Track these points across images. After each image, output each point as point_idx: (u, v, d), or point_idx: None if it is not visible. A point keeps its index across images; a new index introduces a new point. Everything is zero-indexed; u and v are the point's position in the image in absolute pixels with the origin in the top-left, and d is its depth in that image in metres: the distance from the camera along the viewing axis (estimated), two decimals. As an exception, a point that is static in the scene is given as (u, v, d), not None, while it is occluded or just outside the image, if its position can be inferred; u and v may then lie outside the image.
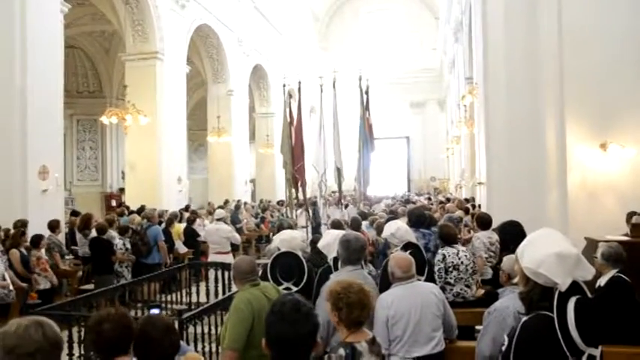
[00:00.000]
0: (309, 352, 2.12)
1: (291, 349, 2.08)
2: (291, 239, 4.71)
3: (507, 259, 3.88)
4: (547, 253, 2.19)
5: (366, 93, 12.43)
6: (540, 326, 2.14)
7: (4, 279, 6.82)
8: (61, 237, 9.76)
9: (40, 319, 1.80)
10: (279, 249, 4.58)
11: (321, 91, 12.16)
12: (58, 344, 1.79)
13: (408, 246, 4.86)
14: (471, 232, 7.94)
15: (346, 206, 15.52)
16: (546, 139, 7.78)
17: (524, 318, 2.23)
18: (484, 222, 6.64)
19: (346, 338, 2.65)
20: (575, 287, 2.17)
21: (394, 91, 32.96)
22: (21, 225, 8.32)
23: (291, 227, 7.68)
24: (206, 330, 5.59)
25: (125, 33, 14.82)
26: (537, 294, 2.21)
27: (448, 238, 5.54)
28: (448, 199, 17.72)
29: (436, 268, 5.26)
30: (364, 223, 8.98)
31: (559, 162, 7.58)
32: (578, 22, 7.38)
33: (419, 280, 4.06)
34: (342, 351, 2.54)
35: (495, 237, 6.08)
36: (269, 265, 4.30)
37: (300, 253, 4.58)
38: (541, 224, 7.40)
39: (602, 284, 4.52)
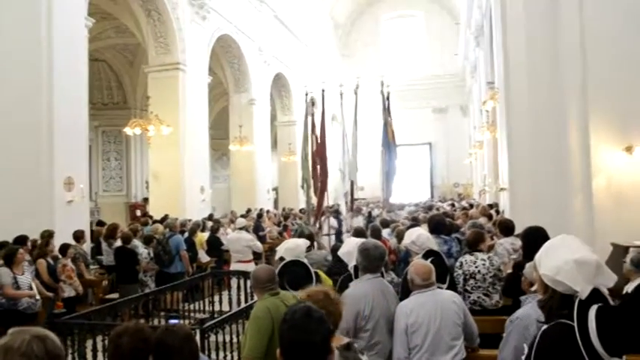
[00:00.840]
0: (325, 357, 2.11)
1: (305, 356, 2.07)
2: (295, 247, 4.71)
3: (529, 266, 3.82)
4: (565, 260, 2.15)
5: (388, 99, 12.42)
6: (560, 335, 2.09)
7: (31, 288, 6.94)
8: (86, 247, 9.91)
9: (42, 332, 1.81)
10: (283, 258, 4.58)
11: (341, 98, 12.19)
12: (60, 358, 1.81)
13: (429, 254, 4.81)
14: (494, 238, 7.83)
15: (369, 214, 15.50)
16: (570, 143, 7.65)
17: (544, 326, 2.19)
18: (506, 228, 6.56)
19: None
20: (596, 295, 2.12)
21: (416, 97, 32.85)
22: (47, 235, 8.47)
23: (311, 235, 7.69)
24: (227, 339, 5.60)
25: (148, 45, 15.06)
26: (557, 302, 2.16)
27: (472, 244, 5.48)
28: (471, 205, 17.54)
29: (455, 275, 5.22)
30: (386, 231, 8.94)
31: (583, 166, 7.45)
32: (600, 23, 7.26)
33: (440, 287, 4.02)
34: None
35: (519, 243, 5.99)
36: (276, 275, 4.31)
37: (306, 261, 4.57)
38: (566, 230, 7.28)
39: (629, 291, 4.42)
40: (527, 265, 3.89)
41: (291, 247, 4.70)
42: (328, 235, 11.12)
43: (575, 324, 2.05)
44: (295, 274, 4.24)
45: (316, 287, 2.98)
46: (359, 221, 12.51)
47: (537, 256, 2.30)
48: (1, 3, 9.44)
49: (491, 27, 13.29)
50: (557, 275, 2.13)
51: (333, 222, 12.81)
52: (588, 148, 7.36)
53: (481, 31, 18.42)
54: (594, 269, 2.14)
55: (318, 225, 11.06)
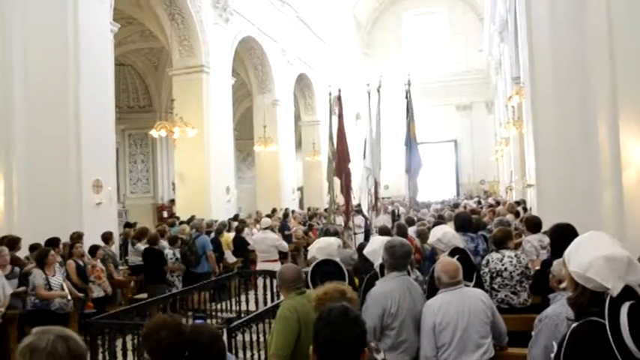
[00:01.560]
0: (358, 358, 2.11)
1: (340, 354, 2.07)
2: (327, 246, 4.70)
3: (557, 263, 3.75)
4: (596, 256, 2.10)
5: (410, 97, 12.33)
6: (591, 333, 2.04)
7: (62, 289, 7.08)
8: (115, 248, 10.06)
9: (65, 332, 1.84)
10: (316, 258, 4.57)
11: (369, 97, 12.14)
12: (82, 357, 1.84)
13: (455, 251, 4.77)
14: (522, 235, 7.72)
15: (393, 212, 15.41)
16: (598, 136, 7.48)
17: (574, 324, 2.14)
18: (533, 225, 6.46)
19: None
20: (628, 292, 2.06)
21: (440, 94, 32.60)
22: (76, 237, 8.63)
23: (337, 233, 7.68)
24: (254, 338, 5.63)
25: (172, 48, 15.22)
26: (587, 299, 2.11)
27: (499, 241, 5.42)
28: (498, 202, 17.34)
29: (481, 273, 5.16)
30: (411, 229, 8.88)
31: (613, 160, 7.27)
32: (628, 14, 7.09)
33: (467, 285, 3.98)
34: None
35: (547, 240, 5.89)
36: (309, 274, 4.30)
37: (338, 260, 4.56)
38: (595, 226, 7.17)
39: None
40: (555, 262, 3.82)
41: (323, 247, 4.70)
42: (355, 233, 11.07)
43: (607, 322, 1.99)
44: (327, 273, 4.23)
45: (334, 285, 2.97)
46: (382, 220, 12.44)
47: (566, 252, 2.25)
48: (28, 10, 9.64)
49: (516, 22, 13.11)
50: (588, 272, 2.09)
51: (359, 221, 12.76)
52: (617, 141, 7.18)
53: (505, 27, 18.18)
54: (626, 266, 2.08)
55: (343, 224, 11.03)
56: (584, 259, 2.12)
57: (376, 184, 11.15)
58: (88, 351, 2.07)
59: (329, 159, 11.54)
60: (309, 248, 5.09)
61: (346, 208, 11.15)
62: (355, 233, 11.20)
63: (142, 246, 9.68)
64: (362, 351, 2.12)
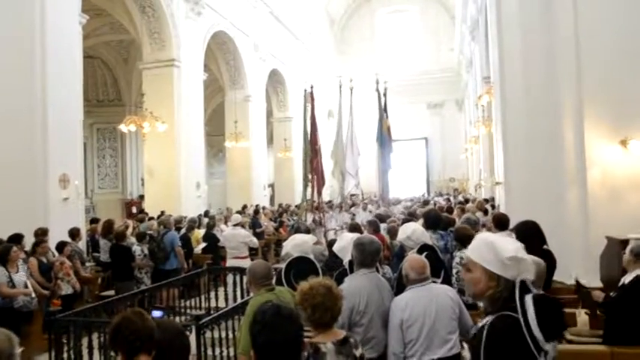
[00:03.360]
0: (299, 353, 2.12)
1: (280, 354, 2.08)
2: (302, 243, 4.69)
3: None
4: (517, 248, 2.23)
5: (384, 95, 12.43)
6: (509, 325, 2.09)
7: (26, 287, 6.93)
8: (82, 244, 9.88)
9: None
10: (291, 255, 4.57)
11: (340, 92, 12.18)
12: (10, 356, 1.81)
13: (423, 248, 4.82)
14: (490, 233, 7.83)
15: (364, 208, 15.53)
16: (565, 137, 7.67)
17: (490, 318, 2.16)
18: (501, 222, 6.53)
19: (313, 338, 2.70)
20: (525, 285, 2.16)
21: (412, 92, 32.81)
22: (41, 233, 8.44)
23: (308, 230, 7.69)
24: (223, 335, 5.60)
25: (142, 42, 15.02)
26: (508, 292, 2.15)
27: (464, 240, 5.48)
28: (467, 200, 17.58)
29: (454, 271, 5.21)
30: (382, 226, 8.94)
31: (578, 160, 7.46)
32: (594, 18, 7.28)
33: (434, 282, 4.02)
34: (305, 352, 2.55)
35: (514, 237, 6.00)
36: (283, 271, 4.29)
37: (312, 257, 4.56)
38: (561, 223, 7.35)
39: (626, 282, 4.43)
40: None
41: (298, 244, 4.68)
42: (342, 229, 11.09)
43: (521, 314, 2.06)
44: (302, 270, 4.23)
45: (319, 280, 2.97)
46: (345, 218, 12.55)
47: (479, 253, 2.27)
48: (-7, 0, 9.39)
49: (487, 21, 13.28)
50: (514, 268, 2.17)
51: (346, 217, 12.83)
52: (583, 141, 7.38)
53: (476, 26, 18.41)
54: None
55: (311, 220, 11.04)
56: (507, 252, 2.18)
57: (343, 181, 11.23)
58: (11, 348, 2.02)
59: (304, 156, 11.55)
60: (283, 244, 5.07)
61: (317, 204, 11.17)
62: (342, 228, 11.20)
63: (107, 243, 9.55)
64: (301, 345, 2.14)
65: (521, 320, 2.05)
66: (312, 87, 11.17)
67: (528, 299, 2.09)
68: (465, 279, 2.34)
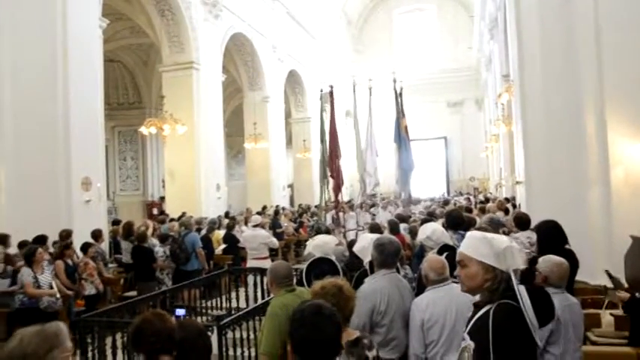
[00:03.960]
0: (335, 354, 2.12)
1: (316, 352, 2.09)
2: (323, 244, 4.70)
3: (543, 260, 3.79)
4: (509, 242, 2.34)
5: (401, 95, 12.38)
6: (512, 312, 2.19)
7: (51, 287, 7.04)
8: (104, 246, 10.02)
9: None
10: (313, 255, 4.58)
11: (354, 92, 12.16)
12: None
13: (444, 249, 4.79)
14: (510, 233, 7.77)
15: (385, 208, 15.51)
16: (587, 135, 7.56)
17: (490, 307, 2.23)
18: (522, 222, 6.50)
19: None
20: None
21: (430, 91, 32.66)
22: (65, 235, 8.58)
23: (328, 231, 7.70)
24: (245, 335, 5.64)
25: (162, 45, 15.16)
26: (506, 282, 2.26)
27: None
28: (487, 199, 17.44)
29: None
30: (403, 226, 8.91)
31: (601, 158, 7.35)
32: (615, 14, 7.16)
33: (455, 282, 4.00)
34: None
35: (535, 237, 5.93)
36: (304, 272, 4.31)
37: (334, 258, 4.57)
38: (583, 222, 7.25)
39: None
40: (541, 259, 3.86)
41: (320, 244, 4.70)
42: (362, 229, 11.09)
43: (522, 302, 2.17)
44: (323, 270, 4.25)
45: (331, 280, 2.99)
46: (367, 218, 12.53)
47: (472, 246, 2.37)
48: (16, 6, 9.56)
49: (506, 19, 13.18)
50: (506, 261, 2.28)
51: (367, 217, 12.84)
52: (605, 139, 7.26)
53: (495, 24, 18.26)
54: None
55: (331, 220, 11.05)
56: (501, 245, 2.28)
57: (365, 181, 11.21)
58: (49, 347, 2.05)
59: (322, 156, 11.55)
60: (306, 244, 5.09)
61: (336, 204, 11.16)
62: (362, 229, 11.20)
63: (128, 244, 9.66)
64: (339, 346, 2.15)
65: (523, 307, 2.16)
66: (331, 87, 11.17)
67: (522, 289, 2.21)
68: (460, 275, 2.42)
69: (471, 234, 2.46)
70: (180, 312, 3.19)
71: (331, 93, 11.16)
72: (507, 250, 2.26)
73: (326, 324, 2.12)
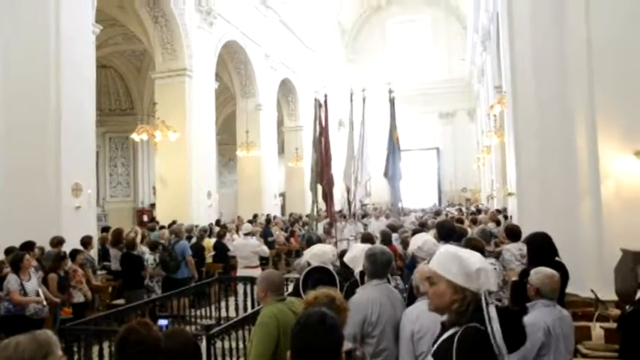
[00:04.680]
0: None
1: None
2: (322, 254, 4.69)
3: (535, 273, 3.80)
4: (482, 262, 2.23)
5: (393, 105, 12.45)
6: (478, 337, 2.08)
7: (37, 294, 6.97)
8: (94, 253, 9.94)
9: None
10: (309, 264, 4.56)
11: (352, 102, 12.21)
12: None
13: (435, 259, 4.79)
14: (501, 244, 7.80)
15: (377, 218, 15.53)
16: (578, 148, 7.62)
17: (455, 331, 2.16)
18: (513, 233, 6.52)
19: None
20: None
21: (423, 101, 32.83)
22: (57, 242, 8.51)
23: (319, 240, 7.67)
24: (234, 345, 5.60)
25: (155, 51, 15.15)
26: (475, 304, 2.15)
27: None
28: (479, 210, 17.50)
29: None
30: (394, 236, 8.91)
31: (592, 171, 7.41)
32: (606, 29, 7.25)
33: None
34: None
35: (525, 249, 5.95)
36: (301, 281, 4.29)
37: (331, 268, 4.55)
38: (575, 234, 7.28)
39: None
40: (533, 271, 3.87)
41: (318, 254, 4.68)
42: (355, 239, 11.10)
43: (490, 326, 2.06)
44: (319, 280, 4.23)
45: (324, 290, 2.98)
46: (359, 228, 12.56)
47: (442, 263, 2.25)
48: (10, 11, 9.53)
49: (498, 31, 13.27)
50: (478, 281, 2.17)
51: (360, 227, 12.87)
52: (596, 152, 7.33)
53: (488, 36, 18.39)
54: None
55: (323, 230, 11.04)
56: (473, 264, 2.18)
57: (349, 191, 11.26)
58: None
59: (312, 167, 11.56)
60: (304, 253, 5.07)
61: (329, 214, 11.17)
62: (355, 238, 11.20)
63: (117, 252, 9.58)
64: (339, 357, 2.14)
65: (490, 332, 2.05)
66: (325, 95, 11.23)
67: (492, 311, 2.10)
68: (428, 292, 2.31)
69: (444, 250, 2.35)
70: (163, 322, 3.15)
71: (325, 101, 11.21)
72: (480, 272, 2.15)
73: (329, 333, 2.11)
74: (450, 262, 2.22)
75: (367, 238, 7.26)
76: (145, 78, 20.74)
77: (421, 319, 3.62)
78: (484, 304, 2.12)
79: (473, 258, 2.22)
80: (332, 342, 2.11)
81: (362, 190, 11.74)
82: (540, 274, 3.76)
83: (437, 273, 2.24)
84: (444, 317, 2.27)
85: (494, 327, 2.05)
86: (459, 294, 2.17)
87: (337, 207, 12.29)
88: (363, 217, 15.55)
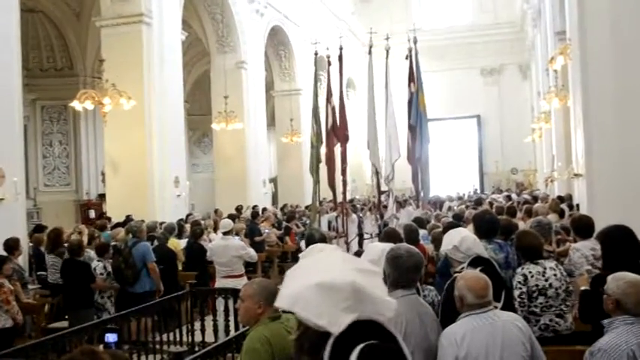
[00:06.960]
0: None
1: None
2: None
3: (613, 279, 3.77)
4: (306, 285, 2.20)
5: (414, 58, 12.37)
6: None
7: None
8: (22, 261, 9.93)
9: None
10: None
11: (370, 53, 12.15)
12: None
13: (477, 261, 4.77)
14: (567, 242, 7.77)
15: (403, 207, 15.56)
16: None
17: None
18: (583, 228, 6.48)
19: None
20: (365, 330, 2.20)
21: (458, 55, 32.79)
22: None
23: (323, 240, 7.66)
24: (213, 379, 5.61)
25: (100, -10, 15.08)
26: (309, 341, 2.23)
27: (530, 252, 5.43)
28: (536, 198, 17.49)
29: (516, 293, 5.16)
30: (423, 233, 8.91)
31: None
32: None
33: (495, 308, 3.99)
34: None
35: (599, 247, 5.94)
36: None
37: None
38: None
39: None
40: (610, 277, 3.85)
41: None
42: (371, 237, 11.13)
43: None
44: None
45: None
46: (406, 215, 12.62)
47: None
48: None
49: (560, -42, 13.19)
50: (294, 306, 2.21)
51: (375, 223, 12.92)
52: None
53: (546, -35, 18.29)
54: (350, 294, 2.19)
55: (328, 225, 11.08)
56: (289, 290, 2.23)
57: (378, 175, 11.28)
58: None
59: (312, 142, 11.54)
60: (300, 255, 5.07)
61: (342, 205, 11.21)
62: (371, 237, 11.24)
63: (56, 258, 9.58)
64: None
65: None
66: (341, 48, 11.25)
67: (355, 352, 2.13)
68: None
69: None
70: (112, 337, 3.12)
71: (340, 56, 11.22)
72: (306, 292, 2.21)
73: None
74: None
75: (390, 235, 7.25)
76: (87, 26, 20.65)
77: (468, 342, 3.61)
78: (331, 340, 2.16)
79: (302, 275, 2.32)
80: None
81: (388, 172, 11.75)
82: (621, 281, 3.73)
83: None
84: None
85: None
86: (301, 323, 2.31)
87: (349, 195, 12.31)
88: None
